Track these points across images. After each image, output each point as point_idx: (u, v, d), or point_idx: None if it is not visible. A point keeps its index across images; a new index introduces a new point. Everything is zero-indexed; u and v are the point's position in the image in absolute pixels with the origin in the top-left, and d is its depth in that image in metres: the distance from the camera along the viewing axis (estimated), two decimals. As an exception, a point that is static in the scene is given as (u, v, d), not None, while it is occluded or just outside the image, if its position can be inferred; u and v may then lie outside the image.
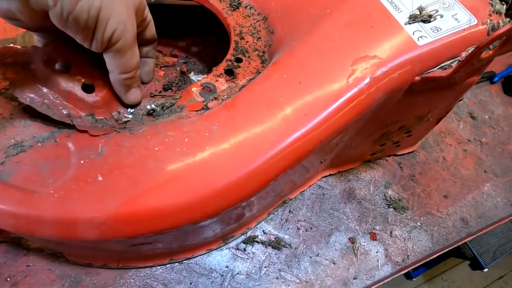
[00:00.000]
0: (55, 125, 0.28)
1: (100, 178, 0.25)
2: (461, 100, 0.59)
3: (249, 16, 0.41)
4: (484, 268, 0.91)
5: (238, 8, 0.42)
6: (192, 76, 0.47)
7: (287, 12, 0.37)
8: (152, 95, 0.46)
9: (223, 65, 0.35)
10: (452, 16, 0.28)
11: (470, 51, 0.27)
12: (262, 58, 0.37)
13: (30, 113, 0.29)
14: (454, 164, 0.52)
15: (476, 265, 0.94)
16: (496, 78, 0.65)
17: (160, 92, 0.47)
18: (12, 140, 0.27)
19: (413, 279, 1.12)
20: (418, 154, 0.51)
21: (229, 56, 0.36)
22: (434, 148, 0.53)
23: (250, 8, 0.42)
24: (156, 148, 0.26)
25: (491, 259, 0.93)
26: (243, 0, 0.43)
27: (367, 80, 0.27)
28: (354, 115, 0.28)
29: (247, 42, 0.39)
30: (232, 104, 0.28)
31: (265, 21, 0.40)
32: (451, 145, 0.54)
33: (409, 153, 0.51)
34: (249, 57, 0.37)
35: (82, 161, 0.26)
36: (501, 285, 1.30)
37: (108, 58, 0.26)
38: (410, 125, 0.40)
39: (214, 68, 0.35)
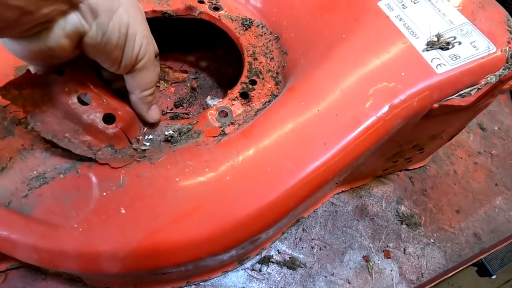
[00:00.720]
0: (76, 155, 0.28)
1: (122, 211, 0.25)
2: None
3: (261, 36, 0.41)
4: (492, 275, 0.91)
5: (250, 27, 0.42)
6: (209, 100, 0.47)
7: (300, 33, 0.37)
8: (164, 113, 0.47)
9: (237, 88, 0.35)
10: (471, 43, 0.28)
11: (488, 78, 0.27)
12: (276, 80, 0.37)
13: (51, 143, 0.29)
14: (465, 177, 0.52)
15: (484, 272, 0.94)
16: (505, 88, 0.64)
17: (172, 109, 0.47)
18: (35, 172, 0.27)
19: (420, 285, 1.12)
20: (428, 168, 0.51)
21: (243, 78, 0.36)
22: (444, 162, 0.53)
23: (262, 27, 0.42)
24: (177, 179, 0.26)
25: (499, 265, 0.93)
26: (255, 18, 0.43)
27: (386, 108, 0.27)
28: (373, 143, 0.28)
29: (261, 63, 0.39)
30: (249, 132, 0.29)
31: (277, 41, 0.41)
32: (461, 158, 0.54)
33: (420, 167, 0.51)
34: (263, 78, 0.37)
35: (104, 193, 0.26)
36: (508, 289, 1.29)
37: (131, 77, 0.26)
38: (424, 144, 0.40)
39: (229, 92, 0.35)
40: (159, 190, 0.26)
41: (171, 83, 0.50)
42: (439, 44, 0.28)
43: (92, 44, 0.22)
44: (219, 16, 0.42)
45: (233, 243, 0.26)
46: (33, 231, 0.24)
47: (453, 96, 0.28)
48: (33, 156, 0.27)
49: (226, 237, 0.25)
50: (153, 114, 0.30)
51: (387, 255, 0.42)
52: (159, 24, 0.37)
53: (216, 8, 0.43)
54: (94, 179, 0.26)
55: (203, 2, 0.43)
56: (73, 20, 0.20)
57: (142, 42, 0.24)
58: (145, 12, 0.28)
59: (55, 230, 0.24)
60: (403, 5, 0.31)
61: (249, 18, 0.42)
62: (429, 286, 0.40)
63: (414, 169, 0.50)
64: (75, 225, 0.24)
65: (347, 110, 0.28)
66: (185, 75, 0.51)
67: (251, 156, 0.27)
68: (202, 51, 0.54)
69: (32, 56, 0.21)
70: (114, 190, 0.26)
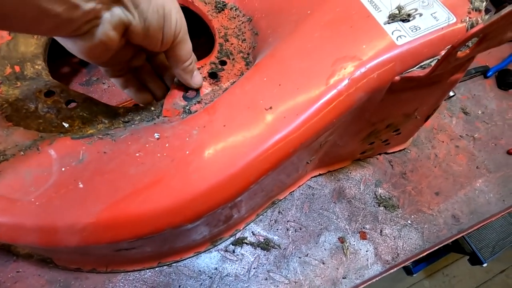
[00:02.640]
0: (38, 132, 0.28)
1: (81, 185, 0.25)
2: (453, 96, 0.59)
3: (234, 18, 0.41)
4: (483, 263, 0.91)
5: (223, 10, 0.42)
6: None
7: (270, 13, 0.37)
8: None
9: (207, 68, 0.35)
10: (431, 14, 0.27)
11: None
12: (247, 60, 0.37)
13: (13, 121, 0.29)
14: (446, 160, 0.52)
15: (475, 260, 0.93)
16: (490, 73, 0.64)
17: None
18: (-5, 149, 0.27)
19: (414, 275, 1.12)
20: (409, 151, 0.51)
21: (213, 58, 0.36)
22: (426, 145, 0.53)
23: (235, 10, 0.42)
24: (137, 154, 0.26)
25: (490, 253, 0.93)
26: (229, 1, 0.43)
27: (346, 81, 0.27)
28: (334, 117, 0.28)
29: (232, 44, 0.39)
30: (212, 108, 0.29)
31: (250, 23, 0.40)
32: (443, 141, 0.54)
33: (400, 150, 0.50)
34: (233, 59, 0.37)
35: (63, 169, 0.26)
36: (502, 279, 1.30)
37: (172, 52, 0.28)
38: (398, 123, 0.40)
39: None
40: (119, 164, 0.26)
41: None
42: (400, 16, 0.28)
43: (136, 31, 0.24)
44: (192, 0, 0.42)
45: (193, 215, 0.26)
46: (-10, 205, 0.24)
47: (414, 68, 0.28)
48: (-5, 134, 0.27)
49: (185, 209, 0.25)
50: (197, 80, 0.31)
51: (363, 236, 0.42)
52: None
53: (190, -9, 0.43)
54: (54, 155, 0.27)
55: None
56: (117, 12, 0.22)
57: (177, 17, 0.25)
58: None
59: (13, 205, 0.24)
60: (367, -20, 0.31)
61: (223, 1, 0.42)
62: (403, 264, 0.40)
63: (394, 152, 0.50)
64: (33, 199, 0.24)
65: (307, 84, 0.27)
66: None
67: (211, 131, 0.27)
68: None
69: (89, 53, 0.23)
70: (73, 165, 0.26)
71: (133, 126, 0.31)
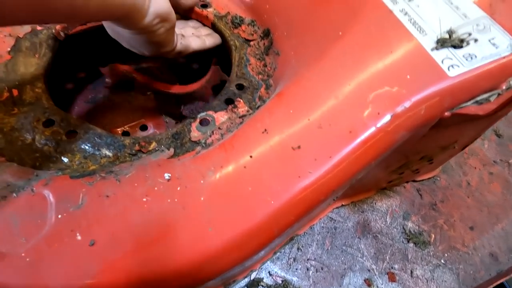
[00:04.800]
0: (33, 170, 0.25)
1: (78, 237, 0.22)
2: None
3: (252, 35, 0.38)
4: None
5: (240, 25, 0.38)
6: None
7: (293, 31, 0.33)
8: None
9: (223, 93, 0.32)
10: (489, 40, 0.23)
11: (511, 82, 0.23)
12: (267, 83, 0.33)
13: (6, 156, 0.26)
14: (479, 189, 0.47)
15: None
16: (523, 90, 0.59)
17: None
18: (-16, 190, 0.24)
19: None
20: (438, 179, 0.47)
21: (230, 82, 0.33)
22: (456, 172, 0.48)
23: (253, 25, 0.38)
24: (144, 199, 0.23)
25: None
26: (246, 16, 0.39)
27: (388, 117, 0.23)
28: (372, 158, 0.24)
29: (250, 64, 0.35)
30: (230, 143, 0.25)
31: (269, 40, 0.37)
32: (475, 167, 0.49)
33: (429, 178, 0.46)
34: (251, 82, 0.33)
35: (59, 216, 0.22)
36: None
37: None
38: (433, 154, 0.35)
39: (213, 97, 0.31)
40: (122, 212, 0.22)
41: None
42: (451, 41, 0.24)
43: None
44: (207, 15, 0.39)
45: (205, 277, 0.22)
46: (-26, 260, 0.20)
47: (468, 103, 0.24)
48: (-15, 171, 0.24)
49: (197, 270, 0.21)
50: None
51: (391, 278, 0.38)
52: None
53: (204, 6, 0.40)
54: (51, 198, 0.23)
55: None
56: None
57: None
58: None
59: (1, 260, 0.21)
60: (408, -3, 0.27)
61: (240, 16, 0.39)
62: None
63: (423, 180, 0.46)
64: (23, 254, 0.21)
65: (342, 119, 0.24)
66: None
67: (229, 173, 0.23)
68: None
69: (150, 46, 0.30)
70: (71, 212, 0.23)
71: (140, 159, 0.27)
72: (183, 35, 0.35)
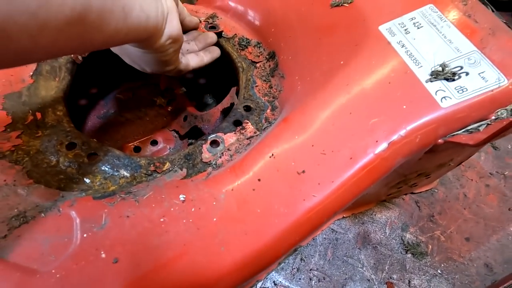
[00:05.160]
0: (59, 191, 0.27)
1: (103, 255, 0.24)
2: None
3: (258, 56, 0.40)
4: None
5: (247, 47, 0.41)
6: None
7: (297, 57, 0.35)
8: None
9: (231, 115, 0.34)
10: (479, 74, 0.25)
11: (499, 113, 0.25)
12: (272, 105, 0.35)
13: (34, 178, 0.28)
14: (476, 201, 0.49)
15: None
16: (520, 103, 0.61)
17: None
18: (15, 210, 0.26)
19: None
20: (436, 191, 0.49)
21: (237, 104, 0.35)
22: (454, 184, 0.50)
23: (259, 47, 0.41)
24: (161, 219, 0.25)
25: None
26: (252, 38, 0.41)
27: (385, 145, 0.25)
28: (371, 182, 0.26)
29: (257, 86, 0.37)
30: (239, 167, 0.27)
31: (274, 62, 0.39)
32: (472, 179, 0.51)
33: (427, 190, 0.48)
34: (258, 103, 0.35)
35: (85, 235, 0.24)
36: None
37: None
38: (430, 172, 0.37)
39: (223, 119, 0.33)
40: (141, 233, 0.24)
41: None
42: (444, 74, 0.26)
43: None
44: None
45: (218, 292, 0.24)
46: (8, 277, 0.23)
47: (459, 132, 0.25)
48: (15, 192, 0.26)
49: (210, 286, 0.23)
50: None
51: (390, 287, 0.40)
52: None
53: (213, 27, 0.42)
54: (76, 218, 0.25)
55: (199, 21, 0.42)
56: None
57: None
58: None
59: (32, 277, 0.23)
60: (405, 30, 0.29)
61: (246, 38, 0.41)
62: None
63: (421, 192, 0.48)
64: (53, 271, 0.23)
65: (343, 146, 0.26)
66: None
67: (240, 195, 0.25)
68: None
69: (157, 64, 0.31)
70: (95, 231, 0.25)
71: (155, 179, 0.29)
72: (182, 54, 0.36)
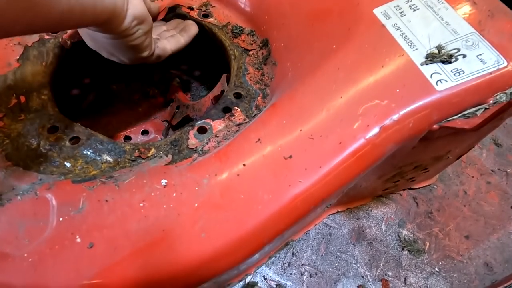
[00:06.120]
0: (37, 174, 0.26)
1: (78, 240, 0.23)
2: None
3: (251, 44, 0.39)
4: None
5: (240, 35, 0.40)
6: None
7: (290, 44, 0.34)
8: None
9: (220, 102, 0.33)
10: (477, 56, 0.24)
11: (498, 96, 0.23)
12: (264, 92, 0.34)
13: (13, 160, 0.27)
14: (476, 199, 0.47)
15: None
16: (524, 100, 0.59)
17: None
18: (-9, 193, 0.25)
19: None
20: (435, 187, 0.47)
21: (227, 91, 0.34)
22: (453, 181, 0.48)
23: (252, 35, 0.40)
24: (141, 204, 0.24)
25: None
26: (246, 26, 0.41)
27: (376, 129, 0.24)
28: (361, 169, 0.25)
29: (248, 73, 0.36)
30: (225, 153, 0.26)
31: (267, 50, 0.38)
32: (472, 176, 0.49)
33: (425, 186, 0.47)
34: (249, 91, 0.34)
35: (61, 219, 0.24)
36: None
37: None
38: (427, 164, 0.36)
39: (211, 105, 0.32)
40: (120, 218, 0.23)
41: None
42: (440, 57, 0.25)
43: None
44: (208, 24, 0.40)
45: (197, 281, 0.23)
46: (-20, 260, 0.22)
47: (455, 117, 0.24)
48: (-8, 175, 0.26)
49: (189, 275, 0.22)
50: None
51: (385, 285, 0.38)
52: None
53: (206, 15, 0.41)
54: (53, 201, 0.24)
55: (192, 9, 0.41)
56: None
57: None
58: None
59: (3, 260, 0.22)
60: (401, 12, 0.28)
61: (240, 26, 0.40)
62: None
63: (419, 188, 0.46)
64: (25, 255, 0.22)
65: (332, 131, 0.24)
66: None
67: (223, 181, 0.24)
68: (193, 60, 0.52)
69: (130, 51, 0.30)
70: (72, 215, 0.24)
71: (139, 165, 0.28)
72: (158, 39, 0.35)
